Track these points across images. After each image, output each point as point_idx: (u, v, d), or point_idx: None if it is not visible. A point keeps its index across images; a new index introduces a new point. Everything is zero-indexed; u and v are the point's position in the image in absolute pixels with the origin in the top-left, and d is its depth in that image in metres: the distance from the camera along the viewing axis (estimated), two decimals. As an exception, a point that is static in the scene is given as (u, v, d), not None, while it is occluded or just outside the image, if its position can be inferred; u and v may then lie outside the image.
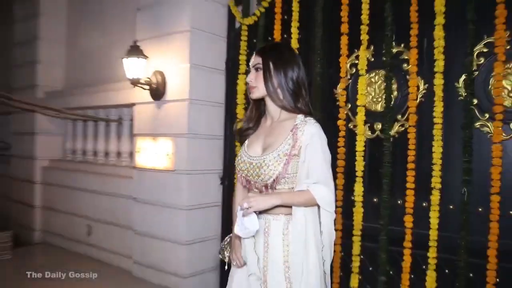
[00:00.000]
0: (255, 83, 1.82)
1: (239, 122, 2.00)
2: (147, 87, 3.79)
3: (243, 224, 1.72)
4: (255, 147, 1.86)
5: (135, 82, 3.70)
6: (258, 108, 1.94)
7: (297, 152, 1.74)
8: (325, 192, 1.71)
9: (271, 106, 1.85)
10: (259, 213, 1.76)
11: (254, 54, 1.87)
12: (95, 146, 5.16)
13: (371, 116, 3.08)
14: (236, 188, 2.04)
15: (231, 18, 3.90)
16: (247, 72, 1.73)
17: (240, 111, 3.60)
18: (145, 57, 3.70)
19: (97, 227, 4.74)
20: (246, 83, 1.92)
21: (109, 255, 4.56)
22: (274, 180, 1.74)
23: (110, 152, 4.94)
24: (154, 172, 3.91)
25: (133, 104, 4.21)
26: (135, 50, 3.68)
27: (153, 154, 3.90)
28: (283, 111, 1.83)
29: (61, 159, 5.61)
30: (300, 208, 1.72)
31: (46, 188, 5.50)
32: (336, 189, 1.86)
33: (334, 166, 3.14)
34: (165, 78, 3.78)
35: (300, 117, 1.79)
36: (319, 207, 1.75)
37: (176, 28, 3.74)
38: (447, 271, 2.80)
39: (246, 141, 1.92)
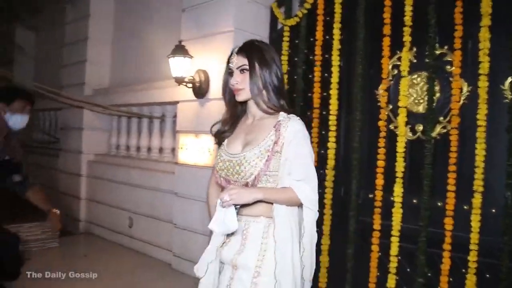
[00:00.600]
0: (242, 85, 1.73)
1: (216, 125, 1.90)
2: (191, 85, 3.88)
3: (222, 219, 1.60)
4: (235, 145, 1.78)
5: (179, 81, 3.80)
6: (235, 109, 1.87)
7: (279, 149, 1.67)
8: (308, 190, 1.64)
9: (253, 107, 1.79)
10: (239, 214, 1.66)
11: (234, 54, 1.77)
12: (138, 142, 5.31)
13: (412, 118, 3.05)
14: (209, 187, 1.96)
15: (273, 19, 3.95)
16: (230, 73, 1.65)
17: (280, 110, 3.64)
18: (190, 56, 3.79)
19: (138, 219, 4.88)
20: (224, 85, 1.83)
21: (149, 247, 4.69)
22: (255, 177, 1.67)
23: (152, 147, 5.08)
24: (195, 168, 4.00)
25: (176, 102, 4.32)
26: (180, 50, 3.78)
27: (195, 150, 3.99)
28: (265, 112, 1.76)
29: (106, 153, 5.80)
30: (282, 207, 1.65)
31: (91, 181, 5.71)
32: (320, 187, 1.75)
33: (373, 166, 3.15)
34: (209, 77, 3.87)
35: (283, 114, 1.74)
36: (299, 207, 1.69)
37: (219, 29, 3.82)
38: (488, 275, 2.74)
39: (225, 141, 1.84)
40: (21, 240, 3.18)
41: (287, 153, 1.66)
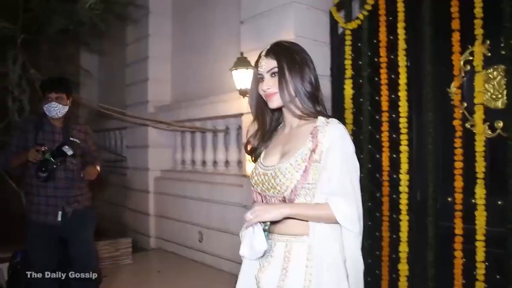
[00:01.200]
0: (275, 89, 1.57)
1: (250, 142, 1.76)
2: (254, 97, 3.94)
3: (249, 243, 1.46)
4: (272, 156, 1.64)
5: (243, 93, 3.88)
6: (265, 120, 1.72)
7: (318, 158, 1.50)
8: (344, 207, 1.46)
9: (287, 114, 1.65)
10: (278, 233, 1.55)
11: (263, 57, 1.62)
12: (203, 156, 5.46)
13: (490, 114, 2.94)
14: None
15: (333, 24, 3.95)
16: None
17: (348, 116, 3.63)
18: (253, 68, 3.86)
19: (208, 233, 5.00)
20: (252, 93, 1.70)
21: (221, 261, 4.78)
22: (292, 190, 1.50)
23: (218, 161, 5.19)
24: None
25: (240, 114, 4.41)
26: (242, 62, 3.86)
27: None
28: (301, 119, 1.62)
29: (172, 169, 5.99)
30: (318, 224, 1.49)
31: (159, 197, 5.92)
32: (363, 204, 1.53)
33: (450, 168, 3.06)
34: (272, 88, 3.91)
35: (321, 118, 1.57)
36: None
37: (280, 38, 3.77)
38: None
39: (262, 154, 1.71)
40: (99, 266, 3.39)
41: (325, 161, 1.50)
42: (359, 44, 3.65)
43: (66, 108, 3.13)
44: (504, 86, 2.85)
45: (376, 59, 3.55)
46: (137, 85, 6.33)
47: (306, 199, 1.51)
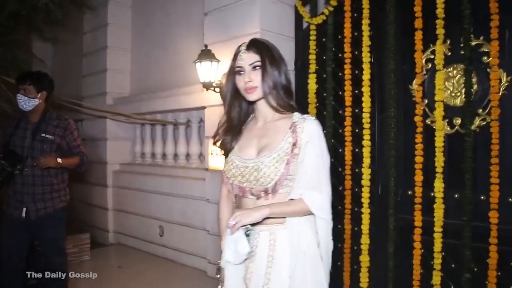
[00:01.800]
0: (256, 83, 1.67)
1: (218, 136, 1.84)
2: (219, 89, 3.97)
3: (234, 248, 1.57)
4: (249, 150, 1.73)
5: (207, 86, 3.89)
6: (238, 113, 1.82)
7: (298, 151, 1.65)
8: (319, 199, 1.63)
9: (264, 107, 1.75)
10: (258, 224, 1.64)
11: (244, 51, 1.71)
12: (164, 149, 5.43)
13: (449, 111, 3.10)
14: (220, 201, 1.89)
15: (298, 18, 4.02)
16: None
17: (312, 110, 3.71)
18: (217, 60, 3.88)
19: (169, 228, 4.99)
20: (228, 87, 1.79)
21: (183, 256, 4.79)
22: (276, 182, 1.64)
23: (179, 154, 5.18)
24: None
25: (203, 107, 4.42)
26: (206, 54, 3.87)
27: (225, 155, 4.06)
28: (277, 111, 1.73)
29: (131, 162, 5.92)
30: (293, 218, 1.65)
31: (118, 191, 5.84)
32: (331, 193, 1.71)
33: (411, 162, 3.20)
34: (236, 81, 3.94)
35: (297, 114, 1.72)
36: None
37: (245, 31, 3.90)
38: (537, 267, 2.78)
39: (235, 147, 1.78)
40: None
41: (302, 155, 1.64)
42: (324, 39, 3.73)
43: (35, 102, 3.12)
44: (463, 85, 3.00)
45: (340, 55, 3.64)
46: (94, 76, 6.19)
47: (287, 190, 1.66)
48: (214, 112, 4.21)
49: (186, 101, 4.83)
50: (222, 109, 4.00)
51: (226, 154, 1.82)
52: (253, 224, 1.63)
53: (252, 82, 1.67)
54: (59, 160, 3.09)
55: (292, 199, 1.65)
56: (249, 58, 1.68)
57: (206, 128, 4.37)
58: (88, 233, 5.15)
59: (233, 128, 1.80)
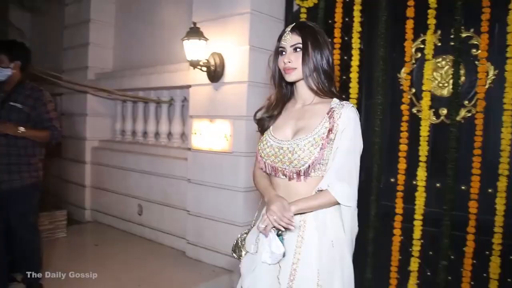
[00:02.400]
0: (295, 64, 1.73)
1: (260, 111, 1.91)
2: (205, 69, 3.96)
3: (269, 249, 1.66)
4: (284, 131, 1.79)
5: (194, 64, 3.87)
6: (281, 92, 1.88)
7: (333, 137, 1.69)
8: (346, 189, 1.68)
9: (303, 89, 1.80)
10: None
11: (288, 32, 1.77)
12: (145, 127, 5.39)
13: (436, 101, 3.17)
14: (255, 172, 1.92)
15: (289, 0, 4.02)
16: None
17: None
18: (206, 39, 3.86)
19: (148, 207, 4.99)
20: (274, 65, 1.84)
21: (161, 235, 4.81)
22: (309, 166, 1.69)
23: (161, 133, 5.15)
24: (210, 154, 4.10)
25: (188, 86, 4.40)
26: (195, 32, 3.84)
27: (209, 136, 4.09)
28: (316, 95, 1.78)
29: (110, 139, 5.87)
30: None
31: (96, 168, 5.80)
32: (358, 181, 1.78)
33: (395, 150, 3.27)
34: (224, 60, 3.94)
35: (336, 100, 1.76)
36: None
37: (235, 10, 3.88)
38: None
39: (271, 127, 1.85)
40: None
41: (337, 142, 1.69)
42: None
43: (7, 71, 3.10)
44: (451, 76, 3.06)
45: (329, 40, 3.66)
46: (76, 49, 6.07)
47: (319, 173, 1.71)
48: (199, 91, 4.20)
49: (170, 79, 4.80)
50: (208, 89, 4.05)
51: (262, 132, 1.89)
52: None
53: (291, 63, 1.73)
54: (21, 129, 3.02)
55: (320, 190, 1.71)
56: (291, 40, 1.74)
57: (191, 107, 4.35)
58: (64, 210, 5.11)
59: (273, 108, 1.87)
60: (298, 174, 1.71)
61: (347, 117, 1.70)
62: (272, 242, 1.65)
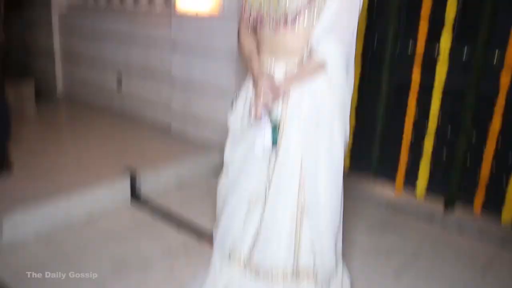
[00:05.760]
0: None
1: None
2: None
3: (261, 142, 1.70)
4: None
5: None
6: None
7: None
8: (331, 44, 1.63)
9: None
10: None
11: None
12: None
13: None
14: (243, 36, 1.88)
15: None
16: None
17: None
18: None
19: (128, 79, 4.81)
20: None
21: (142, 109, 4.71)
22: (296, 12, 1.64)
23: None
24: (197, 18, 3.82)
25: None
26: None
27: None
28: None
29: (82, 5, 5.48)
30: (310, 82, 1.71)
31: (66, 38, 5.52)
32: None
33: (418, 8, 2.98)
34: None
35: None
36: None
37: None
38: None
39: None
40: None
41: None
42: None
43: None
44: None
45: None
46: None
47: (308, 23, 1.64)
48: None
49: None
50: None
51: None
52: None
53: None
54: None
55: (308, 62, 1.68)
56: None
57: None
58: (32, 80, 4.89)
59: None
60: (285, 21, 1.66)
61: None
62: (266, 135, 1.68)
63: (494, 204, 2.92)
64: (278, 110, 1.73)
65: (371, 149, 3.40)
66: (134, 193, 3.20)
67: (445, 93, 2.99)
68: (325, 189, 1.75)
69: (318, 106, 1.71)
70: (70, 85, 5.59)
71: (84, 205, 2.91)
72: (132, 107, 4.80)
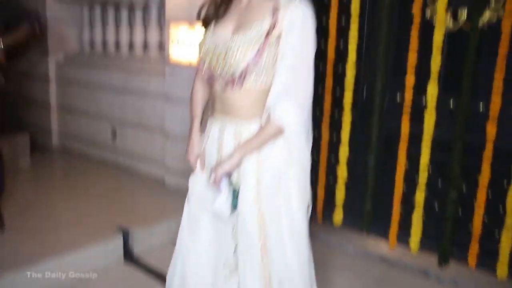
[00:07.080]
0: None
1: (204, 8, 1.77)
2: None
3: (223, 203, 1.65)
4: (225, 28, 1.69)
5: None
6: None
7: (274, 41, 1.57)
8: (287, 108, 1.56)
9: None
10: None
11: None
12: (117, 37, 5.15)
13: (455, 1, 2.95)
14: (195, 86, 1.90)
15: None
16: None
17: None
18: None
19: (123, 130, 4.92)
20: None
21: (136, 161, 4.78)
22: (242, 71, 1.59)
23: (135, 43, 4.93)
24: (191, 68, 3.93)
25: (164, -15, 4.16)
26: None
27: (190, 45, 3.91)
28: None
29: (79, 53, 5.67)
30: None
31: (63, 86, 5.66)
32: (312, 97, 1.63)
33: (403, 62, 3.10)
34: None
35: None
36: None
37: None
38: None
39: (214, 23, 1.75)
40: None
41: (282, 47, 1.56)
42: None
43: None
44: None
45: None
46: None
47: (256, 83, 1.61)
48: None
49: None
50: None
51: (205, 27, 1.80)
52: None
53: None
54: None
55: (262, 128, 1.63)
56: None
57: (168, 10, 4.12)
58: (27, 134, 5.03)
59: (218, 4, 1.74)
60: (233, 81, 1.61)
61: (293, 17, 1.55)
62: (226, 198, 1.64)
63: (488, 258, 2.95)
64: (235, 176, 1.69)
65: (363, 203, 3.45)
66: (127, 253, 3.23)
67: (434, 143, 3.06)
68: (292, 257, 1.70)
69: (277, 173, 1.66)
70: (65, 137, 5.71)
71: (76, 266, 2.93)
72: (126, 160, 4.91)
